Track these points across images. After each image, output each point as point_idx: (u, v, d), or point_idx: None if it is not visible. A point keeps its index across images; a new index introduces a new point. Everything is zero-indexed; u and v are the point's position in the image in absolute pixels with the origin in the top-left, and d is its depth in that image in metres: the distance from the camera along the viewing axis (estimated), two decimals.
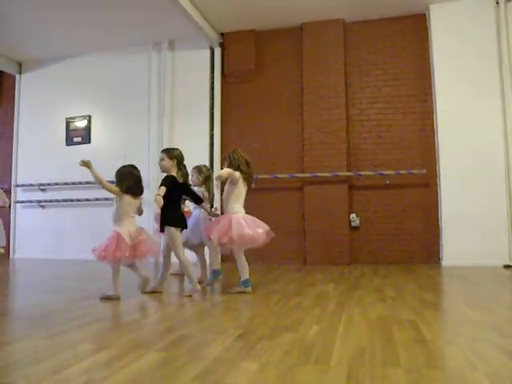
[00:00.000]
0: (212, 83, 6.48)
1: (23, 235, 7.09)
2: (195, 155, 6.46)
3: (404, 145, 5.83)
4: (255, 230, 3.52)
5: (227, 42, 6.42)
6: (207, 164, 5.86)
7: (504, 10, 5.46)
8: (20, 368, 1.74)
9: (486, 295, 3.37)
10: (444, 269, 5.09)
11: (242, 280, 3.56)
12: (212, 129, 6.42)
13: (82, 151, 6.90)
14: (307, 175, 5.91)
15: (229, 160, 3.74)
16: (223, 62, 6.45)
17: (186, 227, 3.66)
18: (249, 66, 6.31)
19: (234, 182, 3.66)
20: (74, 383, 1.55)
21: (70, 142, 7.09)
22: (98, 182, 3.58)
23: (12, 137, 7.39)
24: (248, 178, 3.72)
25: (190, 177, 4.19)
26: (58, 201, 6.93)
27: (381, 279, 4.27)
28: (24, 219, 7.14)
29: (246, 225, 3.49)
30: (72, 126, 7.10)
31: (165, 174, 3.59)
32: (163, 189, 3.39)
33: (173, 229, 3.49)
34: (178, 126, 6.57)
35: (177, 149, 3.68)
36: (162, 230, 3.55)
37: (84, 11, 5.74)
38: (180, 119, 6.57)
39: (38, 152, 7.04)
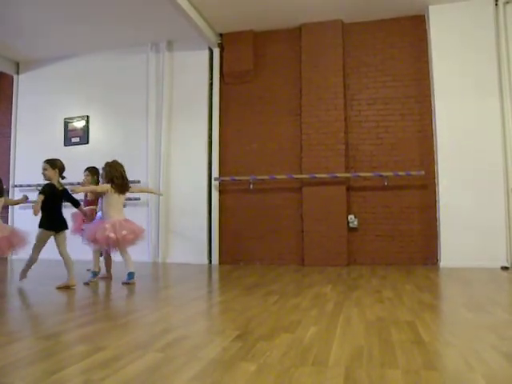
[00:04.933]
0: (210, 84, 6.48)
1: None
2: (193, 156, 6.48)
3: (402, 146, 5.83)
4: (120, 233, 4.06)
5: (226, 42, 6.42)
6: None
7: (503, 12, 5.47)
8: (17, 369, 1.73)
9: (483, 297, 3.38)
10: (442, 270, 5.09)
11: (128, 272, 4.14)
12: (210, 129, 6.42)
13: (80, 152, 6.90)
14: (305, 176, 5.91)
15: (104, 172, 4.30)
16: (222, 62, 6.45)
17: (61, 229, 4.08)
18: (247, 67, 6.31)
19: (102, 194, 4.26)
20: None
21: (68, 142, 7.08)
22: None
23: (10, 137, 7.38)
24: (120, 189, 4.26)
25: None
26: None
27: (379, 280, 4.27)
28: (22, 220, 7.12)
29: (111, 228, 4.04)
30: (70, 126, 7.09)
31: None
32: (41, 197, 3.89)
33: (43, 231, 3.98)
34: (176, 127, 6.57)
35: (58, 159, 4.16)
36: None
37: (82, 11, 5.73)
38: (178, 120, 6.57)
39: (36, 152, 7.01)
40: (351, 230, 5.85)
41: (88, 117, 7.01)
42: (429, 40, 5.71)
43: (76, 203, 4.32)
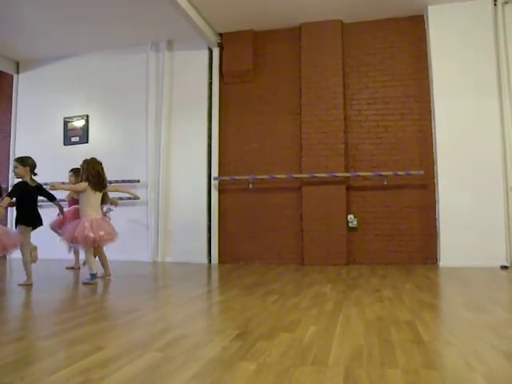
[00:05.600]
0: (210, 83, 6.48)
1: None
2: (193, 155, 6.48)
3: (402, 146, 5.84)
4: (98, 232, 4.15)
5: (225, 42, 6.42)
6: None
7: (502, 12, 5.48)
8: (17, 368, 1.73)
9: (483, 296, 3.38)
10: (441, 269, 5.10)
11: (90, 273, 4.15)
12: (210, 129, 6.42)
13: (79, 151, 6.88)
14: (305, 176, 5.91)
15: (81, 170, 4.41)
16: (221, 62, 6.44)
17: (37, 225, 4.15)
18: (247, 67, 6.30)
19: (79, 192, 4.36)
20: None
21: (67, 141, 7.08)
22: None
23: (9, 136, 7.38)
24: (97, 187, 4.34)
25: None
26: None
27: (378, 280, 4.27)
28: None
29: (90, 227, 4.13)
30: (70, 125, 7.09)
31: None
32: (7, 199, 3.91)
33: (23, 227, 4.04)
34: (176, 126, 6.56)
35: (29, 157, 4.22)
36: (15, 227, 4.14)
37: (82, 11, 5.73)
38: (178, 119, 6.57)
39: (36, 152, 6.95)
40: (351, 229, 5.85)
41: (88, 116, 7.01)
42: (428, 40, 5.71)
43: (51, 197, 4.36)
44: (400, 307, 2.86)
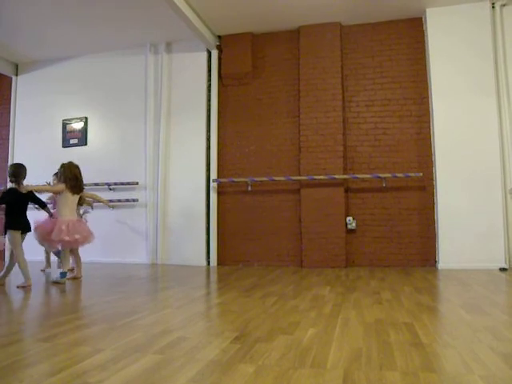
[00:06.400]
0: (209, 85, 6.48)
1: None
2: (192, 157, 6.48)
3: (400, 148, 5.85)
4: (73, 236, 4.26)
5: (224, 44, 6.43)
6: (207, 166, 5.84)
7: (500, 14, 5.50)
8: (15, 370, 1.73)
9: (481, 298, 3.38)
10: (440, 272, 5.10)
11: (60, 271, 4.28)
12: (209, 131, 6.42)
13: (78, 153, 6.89)
14: (304, 178, 5.91)
15: (59, 173, 4.54)
16: (220, 64, 6.45)
17: (27, 231, 4.24)
18: (246, 69, 6.31)
19: (57, 193, 4.51)
20: None
21: (66, 143, 7.08)
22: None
23: (8, 139, 7.38)
24: (73, 190, 4.46)
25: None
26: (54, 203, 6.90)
27: (377, 282, 4.28)
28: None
29: (66, 231, 4.23)
30: (68, 127, 7.09)
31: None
32: None
33: (12, 231, 4.12)
34: (174, 128, 6.57)
35: (21, 165, 4.35)
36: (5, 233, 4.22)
37: (81, 13, 5.73)
38: (177, 121, 6.57)
39: (35, 154, 7.02)
40: (349, 231, 5.86)
41: (86, 118, 7.01)
42: (426, 42, 5.73)
43: (42, 205, 4.49)
44: (399, 309, 2.86)
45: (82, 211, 5.20)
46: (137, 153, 6.65)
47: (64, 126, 7.11)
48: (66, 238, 4.22)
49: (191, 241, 6.28)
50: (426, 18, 5.70)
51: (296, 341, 2.10)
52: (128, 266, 6.05)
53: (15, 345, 2.11)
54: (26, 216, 4.29)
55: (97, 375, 1.64)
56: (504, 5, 5.51)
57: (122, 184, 6.54)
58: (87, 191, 5.47)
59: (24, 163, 4.52)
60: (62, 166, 4.53)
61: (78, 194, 4.55)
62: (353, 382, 1.56)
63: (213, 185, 6.31)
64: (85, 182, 6.59)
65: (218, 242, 6.25)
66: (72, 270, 5.29)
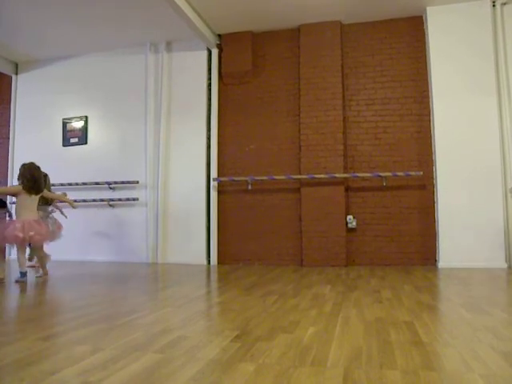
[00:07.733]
0: (209, 84, 6.48)
1: None
2: (192, 156, 6.48)
3: (401, 146, 5.84)
4: (28, 233, 4.27)
5: (224, 43, 6.42)
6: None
7: (500, 13, 5.50)
8: (15, 370, 1.73)
9: (482, 297, 3.38)
10: (440, 270, 5.10)
11: (20, 271, 4.32)
12: (209, 130, 6.42)
13: (78, 152, 6.90)
14: (304, 177, 5.91)
15: (19, 173, 4.53)
16: (220, 63, 6.45)
17: None
18: (246, 68, 6.31)
19: (14, 194, 4.52)
20: None
21: (66, 142, 7.08)
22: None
23: (8, 138, 7.38)
24: (30, 191, 4.44)
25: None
26: None
27: (377, 281, 4.28)
28: None
29: (20, 228, 4.25)
30: (69, 126, 7.09)
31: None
32: None
33: None
34: (175, 127, 6.57)
35: None
36: None
37: (81, 12, 5.73)
38: (177, 120, 6.57)
39: (35, 153, 7.00)
40: (350, 230, 5.86)
41: (87, 117, 7.01)
42: (427, 41, 5.73)
43: (2, 204, 4.54)
44: (399, 308, 2.86)
45: (50, 209, 5.30)
46: (137, 152, 6.65)
47: (64, 124, 7.11)
48: (20, 235, 4.22)
49: (191, 240, 6.28)
50: (426, 16, 5.70)
51: (296, 339, 2.10)
52: (128, 264, 6.05)
53: (15, 344, 2.11)
54: None
55: (97, 374, 1.64)
56: (505, 3, 5.50)
57: (123, 183, 6.54)
58: (54, 191, 5.58)
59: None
60: (22, 166, 4.54)
61: (36, 194, 4.51)
62: (353, 380, 1.55)
63: (213, 184, 6.31)
64: (85, 180, 6.62)
65: (219, 241, 6.25)
66: (34, 267, 5.37)
